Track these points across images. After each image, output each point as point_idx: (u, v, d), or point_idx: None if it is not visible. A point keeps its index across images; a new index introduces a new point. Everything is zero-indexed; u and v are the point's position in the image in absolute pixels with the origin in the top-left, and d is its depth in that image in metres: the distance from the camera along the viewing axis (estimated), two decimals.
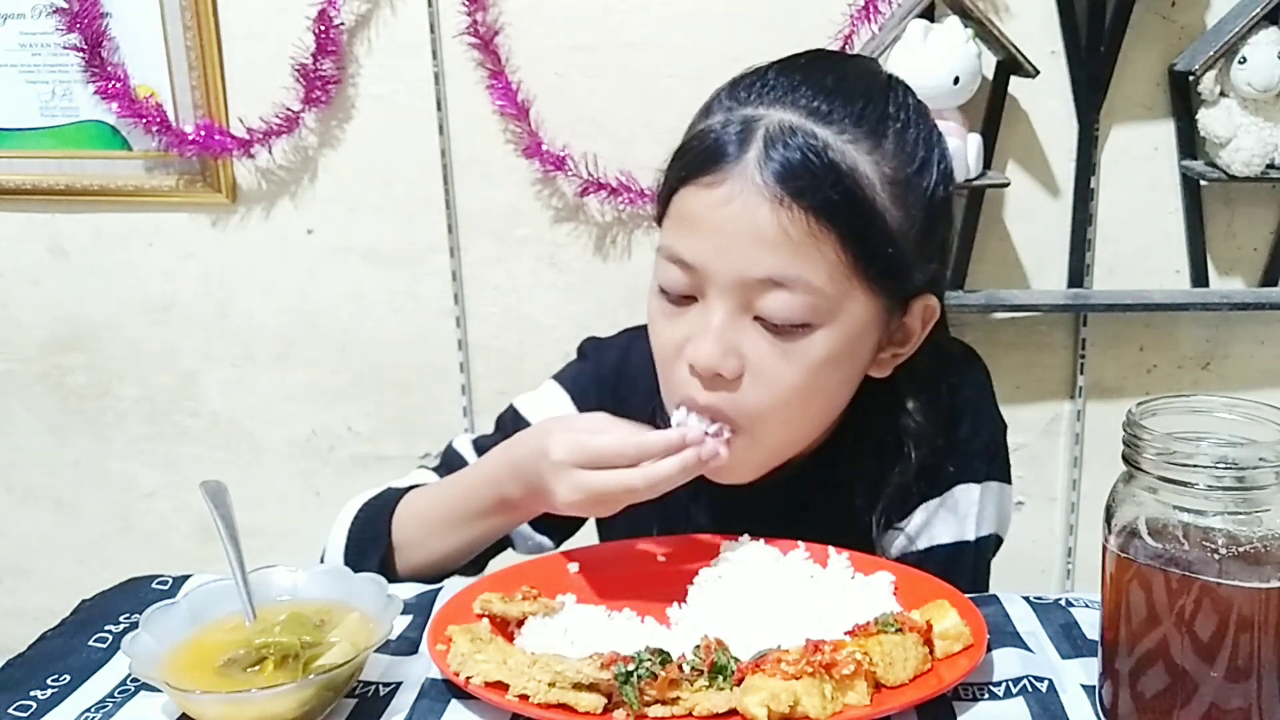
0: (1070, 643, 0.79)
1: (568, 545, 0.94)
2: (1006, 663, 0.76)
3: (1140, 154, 1.64)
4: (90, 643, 0.83)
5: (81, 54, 1.68)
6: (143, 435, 1.90)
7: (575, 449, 0.84)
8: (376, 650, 0.74)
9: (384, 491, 1.01)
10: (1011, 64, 1.55)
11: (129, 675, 0.78)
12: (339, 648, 0.73)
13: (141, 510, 1.94)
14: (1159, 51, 1.60)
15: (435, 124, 1.69)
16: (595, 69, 1.66)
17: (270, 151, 1.72)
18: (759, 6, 1.61)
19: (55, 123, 1.75)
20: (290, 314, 1.81)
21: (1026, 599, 0.86)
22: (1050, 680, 0.74)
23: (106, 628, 0.85)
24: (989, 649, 0.76)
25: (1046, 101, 1.62)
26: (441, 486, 0.99)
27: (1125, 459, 0.67)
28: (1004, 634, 0.80)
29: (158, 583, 0.92)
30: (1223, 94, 1.55)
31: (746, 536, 0.89)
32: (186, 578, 0.92)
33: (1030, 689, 0.73)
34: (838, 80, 0.85)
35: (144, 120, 1.69)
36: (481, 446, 1.05)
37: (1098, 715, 0.71)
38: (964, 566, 0.97)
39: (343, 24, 1.65)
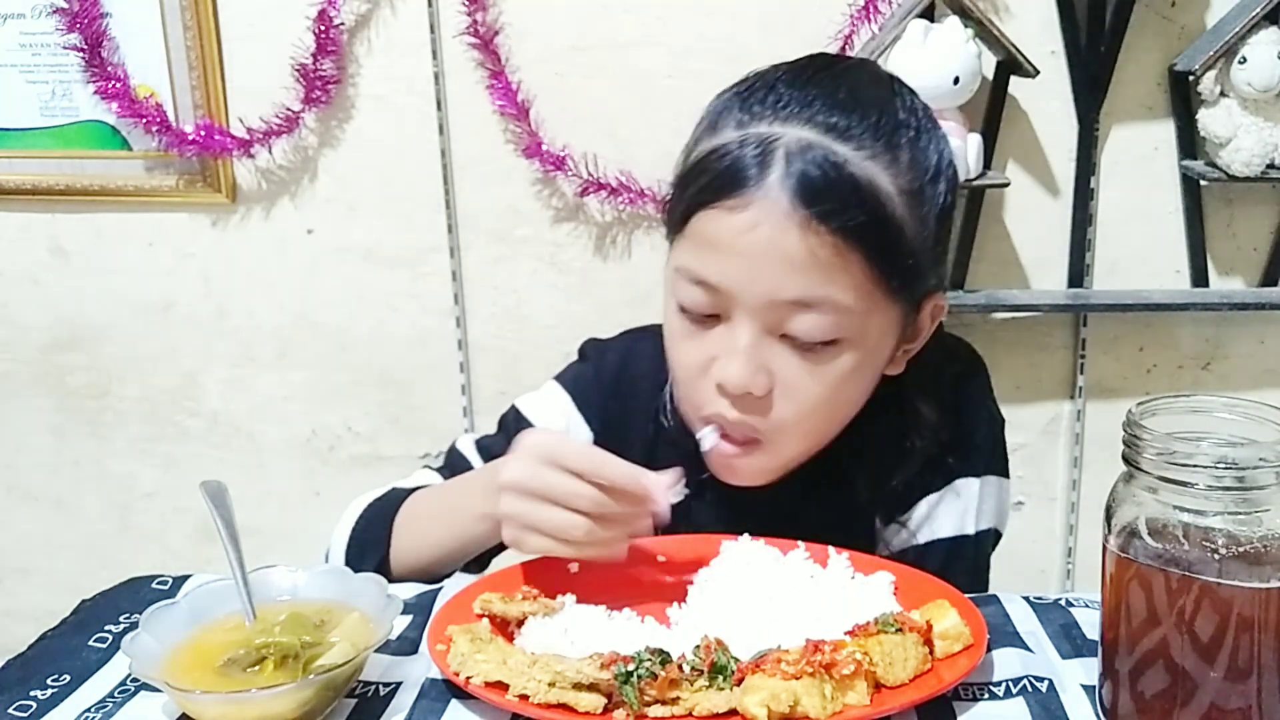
0: (1070, 643, 0.80)
1: None
2: (1006, 663, 0.76)
3: (1140, 154, 1.64)
4: (90, 643, 0.83)
5: (81, 54, 1.68)
6: (143, 435, 1.90)
7: (543, 440, 0.83)
8: (376, 650, 0.74)
9: (388, 492, 1.02)
10: (1011, 64, 1.55)
11: (129, 675, 0.78)
12: (339, 648, 0.73)
13: (141, 510, 1.94)
14: (1159, 51, 1.60)
15: (435, 124, 1.69)
16: (595, 69, 1.66)
17: (270, 151, 1.72)
18: (759, 6, 1.61)
19: (55, 123, 1.75)
20: (290, 314, 1.81)
21: (1026, 599, 0.86)
22: (1050, 680, 0.74)
23: (106, 628, 0.85)
24: (989, 649, 0.76)
25: (1046, 101, 1.62)
26: (439, 492, 0.99)
27: (1125, 459, 0.67)
28: (1004, 634, 0.80)
29: (158, 583, 0.92)
30: (1223, 94, 1.55)
31: (746, 536, 0.89)
32: (186, 578, 0.92)
33: (1030, 689, 0.73)
34: (850, 92, 0.84)
35: (144, 120, 1.69)
36: (484, 447, 1.05)
37: (1098, 715, 0.71)
38: (964, 560, 0.98)
39: (343, 24, 1.65)
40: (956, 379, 1.02)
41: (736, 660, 0.71)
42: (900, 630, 0.72)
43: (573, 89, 1.66)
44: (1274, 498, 0.63)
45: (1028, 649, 0.78)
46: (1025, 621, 0.82)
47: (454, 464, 1.06)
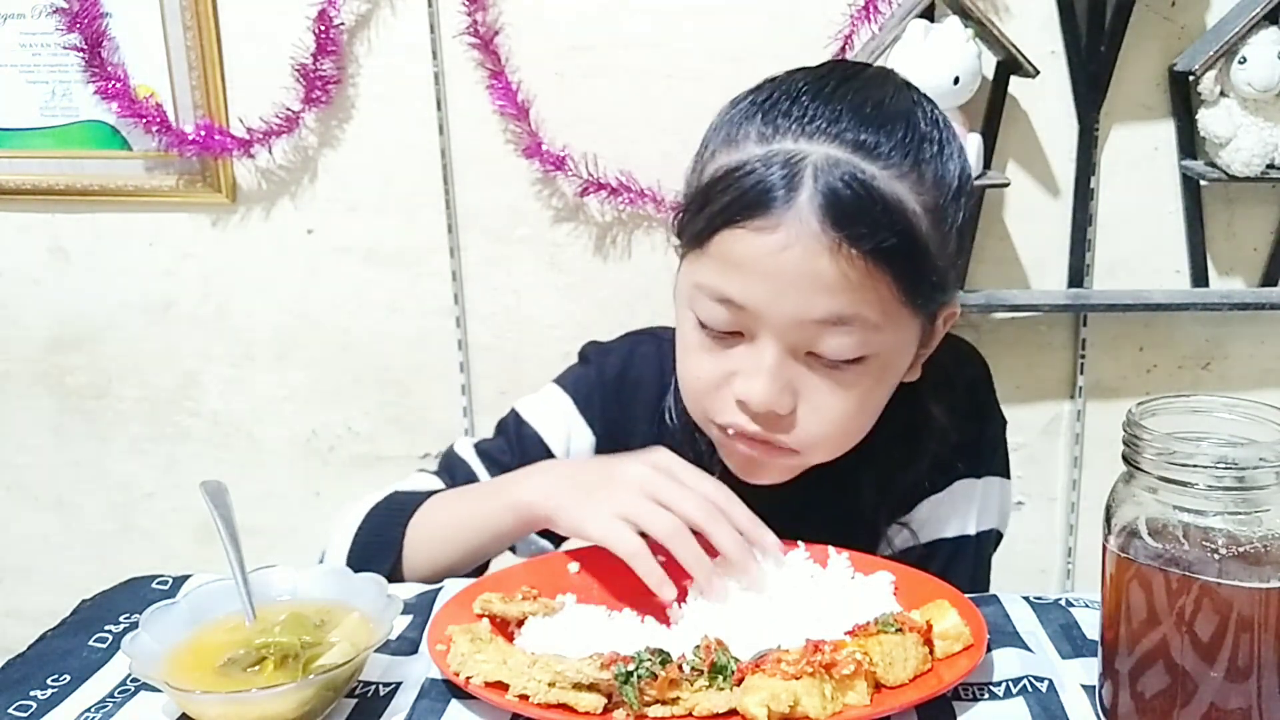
0: (1070, 643, 0.79)
1: (568, 546, 0.93)
2: (1006, 663, 0.76)
3: (1140, 154, 1.64)
4: (90, 643, 0.83)
5: (81, 54, 1.68)
6: (143, 435, 1.90)
7: (676, 460, 0.85)
8: (376, 650, 0.74)
9: (391, 496, 1.00)
10: (1011, 64, 1.55)
11: (129, 675, 0.78)
12: (339, 648, 0.72)
13: (141, 510, 1.94)
14: (1159, 51, 1.60)
15: (435, 124, 1.69)
16: (595, 69, 1.65)
17: (270, 151, 1.72)
18: (759, 6, 1.61)
19: (55, 123, 1.75)
20: (290, 314, 1.81)
21: (1026, 599, 0.86)
22: (1050, 680, 0.74)
23: (106, 628, 0.85)
24: (989, 649, 0.76)
25: (1046, 101, 1.62)
26: (459, 500, 0.97)
27: (1125, 459, 0.67)
28: (1004, 634, 0.80)
29: (158, 583, 0.92)
30: (1223, 94, 1.55)
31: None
32: (186, 578, 0.92)
33: (1030, 689, 0.73)
34: (876, 106, 0.83)
35: (144, 120, 1.69)
36: (483, 451, 1.05)
37: (1098, 715, 0.71)
38: (965, 560, 0.99)
39: (343, 24, 1.65)
40: (968, 383, 1.02)
41: (736, 660, 0.71)
42: (900, 630, 0.72)
43: (573, 89, 1.66)
44: (1274, 498, 0.63)
45: (1028, 649, 0.78)
46: (1025, 621, 0.82)
47: (452, 467, 1.05)
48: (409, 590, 0.89)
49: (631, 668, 0.69)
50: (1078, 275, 1.67)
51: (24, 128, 1.76)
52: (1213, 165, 1.59)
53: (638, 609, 0.83)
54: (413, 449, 1.81)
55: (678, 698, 0.69)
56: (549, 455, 1.03)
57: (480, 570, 0.99)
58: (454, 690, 0.74)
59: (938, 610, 0.76)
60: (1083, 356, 1.72)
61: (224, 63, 1.70)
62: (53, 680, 0.78)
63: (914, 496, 0.98)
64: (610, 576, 0.87)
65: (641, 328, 1.11)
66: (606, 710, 0.69)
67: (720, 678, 0.70)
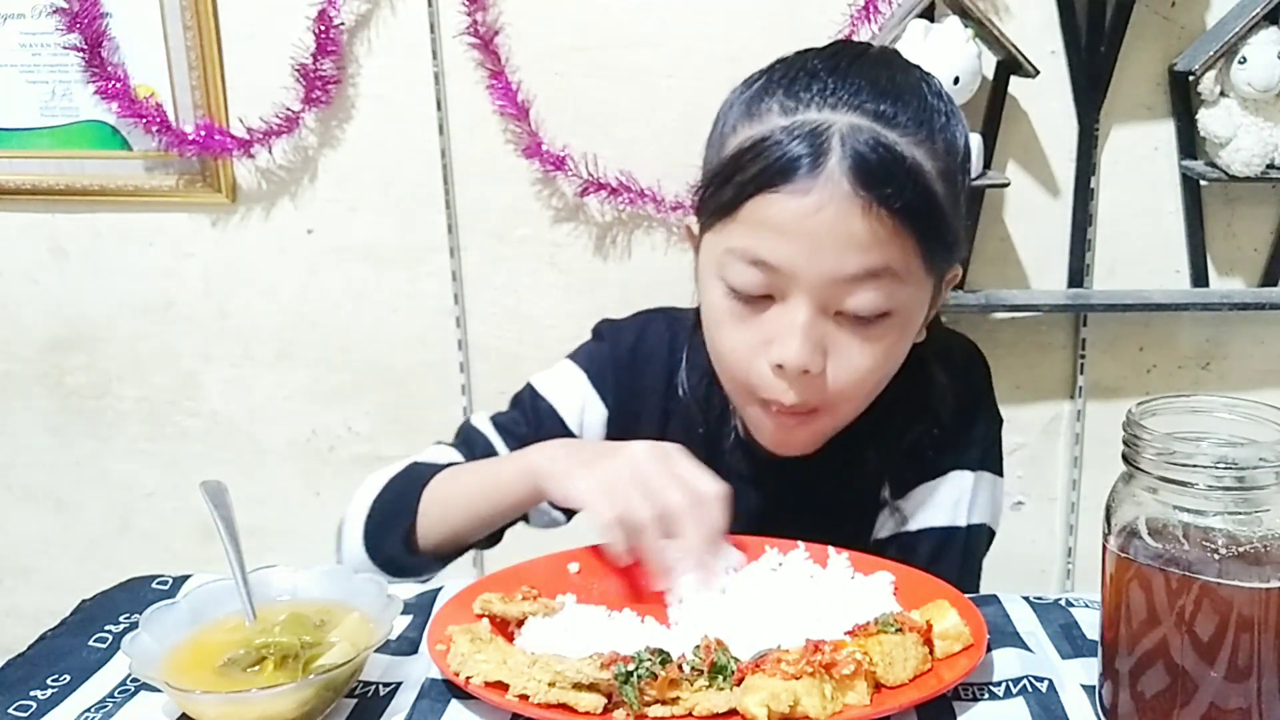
0: (1070, 643, 0.79)
1: (566, 546, 0.94)
2: (1006, 663, 0.76)
3: (1140, 154, 1.64)
4: (90, 643, 0.83)
5: (81, 54, 1.68)
6: (143, 435, 1.90)
7: (677, 451, 0.87)
8: (376, 650, 0.74)
9: (410, 466, 1.04)
10: (1011, 64, 1.55)
11: (129, 675, 0.78)
12: (339, 648, 0.72)
13: (141, 510, 1.94)
14: (1159, 51, 1.60)
15: (435, 124, 1.69)
16: (595, 69, 1.66)
17: (270, 151, 1.72)
18: (759, 6, 1.61)
19: (55, 123, 1.75)
20: (290, 314, 1.81)
21: (1026, 599, 0.86)
22: (1050, 680, 0.74)
23: (106, 628, 0.85)
24: (989, 649, 0.76)
25: (1046, 101, 1.62)
26: (473, 473, 1.00)
27: (1125, 459, 0.67)
28: (1004, 634, 0.80)
29: (158, 583, 0.92)
30: (1223, 94, 1.55)
31: (746, 537, 0.89)
32: (186, 578, 0.92)
33: (1030, 689, 0.73)
34: (889, 80, 0.88)
35: (144, 120, 1.69)
36: (500, 424, 1.08)
37: (1098, 715, 0.71)
38: (954, 552, 1.00)
39: (343, 24, 1.65)
40: (968, 357, 1.07)
41: (736, 660, 0.71)
42: (900, 630, 0.72)
43: (573, 89, 1.66)
44: (1274, 498, 0.63)
45: (1028, 649, 0.78)
46: (1025, 621, 0.82)
47: (469, 440, 1.08)
48: (409, 590, 0.90)
49: (631, 668, 0.69)
50: (1078, 275, 1.68)
51: (24, 128, 1.76)
52: (1213, 165, 1.59)
53: (638, 609, 0.82)
54: (412, 449, 1.77)
55: (678, 698, 0.69)
56: (563, 427, 1.06)
57: (494, 539, 1.01)
58: (454, 690, 0.74)
59: (938, 610, 0.76)
60: (1083, 356, 1.72)
61: (224, 63, 1.70)
62: (53, 680, 0.78)
63: (912, 475, 1.01)
64: (610, 576, 0.87)
65: (652, 307, 1.14)
66: (606, 710, 0.69)
67: (720, 678, 0.70)
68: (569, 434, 1.05)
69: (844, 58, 0.90)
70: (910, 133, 0.85)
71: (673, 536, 0.82)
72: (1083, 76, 1.60)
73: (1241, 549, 0.63)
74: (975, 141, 1.54)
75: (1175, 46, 1.59)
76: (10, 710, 0.74)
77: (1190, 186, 1.64)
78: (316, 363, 1.82)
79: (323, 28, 1.64)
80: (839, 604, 0.80)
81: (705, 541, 0.82)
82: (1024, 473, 1.76)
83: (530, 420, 1.07)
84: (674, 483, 0.84)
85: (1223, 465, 0.63)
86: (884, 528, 1.01)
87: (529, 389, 1.09)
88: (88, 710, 0.74)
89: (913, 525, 1.01)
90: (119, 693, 0.77)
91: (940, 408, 1.00)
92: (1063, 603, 0.85)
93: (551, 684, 0.69)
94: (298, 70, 1.66)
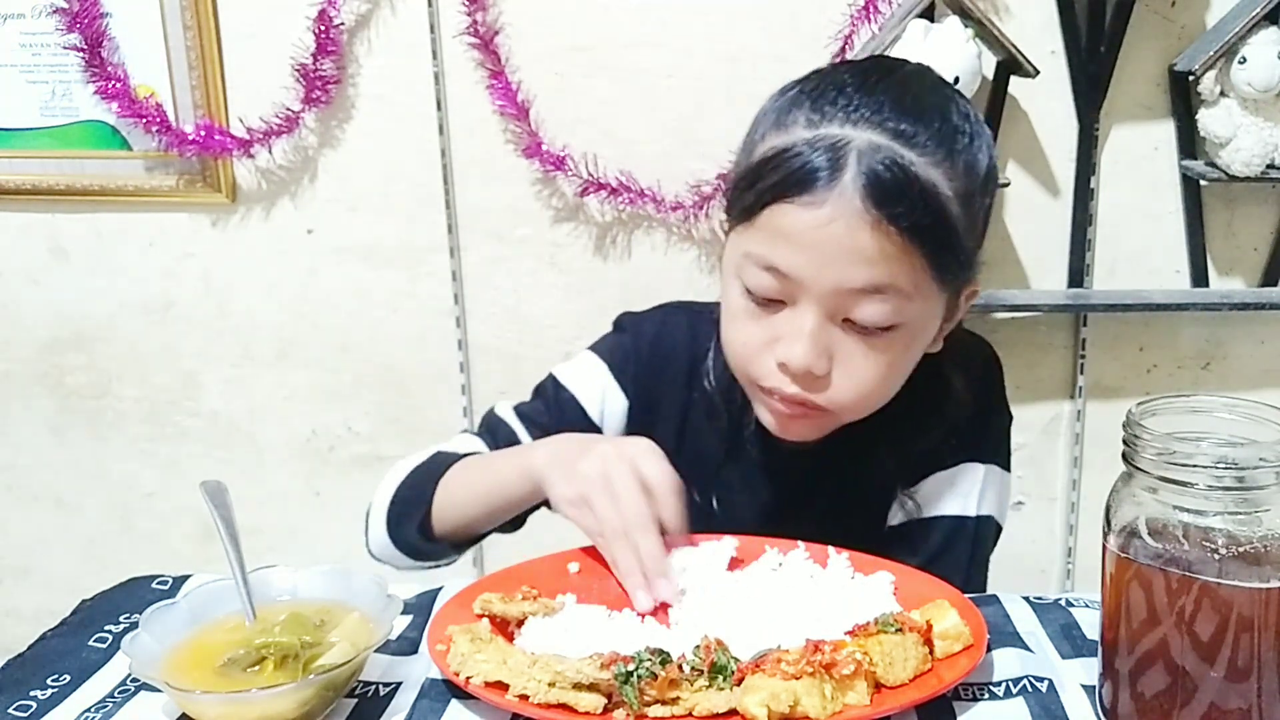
0: (1070, 643, 0.80)
1: (565, 546, 0.94)
2: (1006, 663, 0.76)
3: (1140, 154, 1.64)
4: (90, 643, 0.83)
5: (81, 54, 1.68)
6: (143, 435, 1.90)
7: (644, 447, 0.89)
8: (376, 650, 0.74)
9: (434, 455, 1.07)
10: (1011, 64, 1.55)
11: (129, 675, 0.78)
12: (339, 648, 0.72)
13: (141, 510, 1.94)
14: (1159, 51, 1.60)
15: (435, 124, 1.69)
16: (595, 69, 1.66)
17: (270, 151, 1.72)
18: (759, 6, 1.61)
19: (55, 123, 1.75)
20: (290, 314, 1.81)
21: (1026, 599, 0.86)
22: (1050, 680, 0.74)
23: (106, 628, 0.85)
24: (989, 649, 0.76)
25: (1046, 101, 1.62)
26: (483, 468, 1.03)
27: (1125, 459, 0.67)
28: (1004, 634, 0.80)
29: (158, 583, 0.92)
30: (1223, 94, 1.55)
31: (743, 537, 0.89)
32: (186, 578, 0.92)
33: (1030, 689, 0.73)
34: (914, 99, 0.89)
35: (144, 120, 1.69)
36: (523, 413, 1.10)
37: (1098, 715, 0.71)
38: (964, 542, 1.02)
39: (343, 24, 1.65)
40: (984, 363, 1.09)
41: (736, 660, 0.71)
42: (900, 630, 0.72)
43: (573, 89, 1.66)
44: (1274, 498, 0.63)
45: (1028, 649, 0.78)
46: (1025, 621, 0.82)
47: (493, 429, 1.10)
48: (409, 590, 0.90)
49: (631, 668, 0.69)
50: (1078, 275, 1.68)
51: (24, 128, 1.76)
52: (1213, 165, 1.59)
53: (638, 609, 0.82)
54: (412, 449, 1.78)
55: (678, 698, 0.69)
56: (585, 418, 1.08)
57: (513, 524, 1.03)
58: (454, 690, 0.74)
59: (938, 610, 0.76)
60: (1083, 356, 1.72)
61: (224, 63, 1.70)
62: (53, 680, 0.78)
63: (924, 468, 1.03)
64: (610, 576, 0.87)
65: (673, 300, 1.15)
66: (606, 710, 0.69)
67: (720, 678, 0.70)
68: (590, 424, 1.08)
69: (874, 74, 0.92)
70: (929, 153, 0.86)
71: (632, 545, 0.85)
72: (1083, 76, 1.60)
73: (1241, 549, 0.63)
74: None
75: (1175, 46, 1.59)
76: (10, 710, 0.74)
77: (1190, 186, 1.64)
78: (316, 363, 1.82)
79: (323, 28, 1.64)
80: (839, 604, 0.80)
81: (651, 558, 0.85)
82: (1024, 473, 1.76)
83: (552, 410, 1.09)
84: (633, 488, 0.86)
85: (1223, 465, 0.63)
86: (896, 517, 1.04)
87: (551, 379, 1.12)
88: (88, 710, 0.74)
89: (925, 513, 1.03)
90: (119, 693, 0.77)
91: (955, 413, 1.01)
92: (1063, 603, 0.85)
93: (551, 684, 0.69)
94: (298, 70, 1.66)
